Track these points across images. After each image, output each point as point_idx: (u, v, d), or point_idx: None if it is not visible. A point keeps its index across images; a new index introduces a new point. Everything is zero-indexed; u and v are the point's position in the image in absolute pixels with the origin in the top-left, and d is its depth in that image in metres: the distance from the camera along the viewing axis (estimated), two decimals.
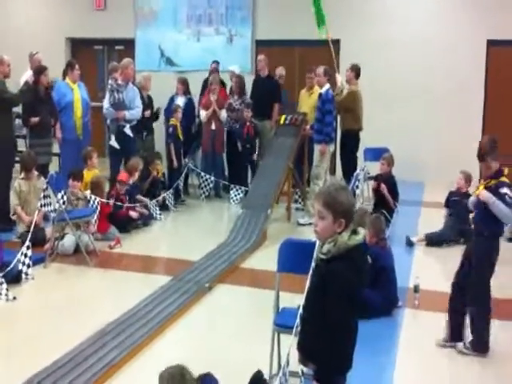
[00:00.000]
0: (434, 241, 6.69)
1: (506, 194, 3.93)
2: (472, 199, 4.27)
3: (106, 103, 7.93)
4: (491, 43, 9.85)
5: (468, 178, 7.11)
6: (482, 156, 4.06)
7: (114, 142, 7.89)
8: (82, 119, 7.86)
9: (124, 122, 7.89)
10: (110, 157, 8.21)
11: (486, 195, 3.97)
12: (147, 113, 8.39)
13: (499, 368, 4.04)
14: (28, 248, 5.49)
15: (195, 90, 9.47)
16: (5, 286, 5.07)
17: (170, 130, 8.53)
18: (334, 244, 2.48)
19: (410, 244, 6.65)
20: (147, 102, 8.54)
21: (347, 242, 2.47)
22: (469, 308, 4.17)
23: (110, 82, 8.05)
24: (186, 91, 9.24)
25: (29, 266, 5.49)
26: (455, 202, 6.94)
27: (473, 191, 4.35)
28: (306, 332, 2.62)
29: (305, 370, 2.86)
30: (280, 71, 9.39)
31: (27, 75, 7.74)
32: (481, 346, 4.12)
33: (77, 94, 7.85)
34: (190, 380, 2.86)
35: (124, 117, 7.88)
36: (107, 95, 7.93)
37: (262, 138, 9.00)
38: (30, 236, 5.62)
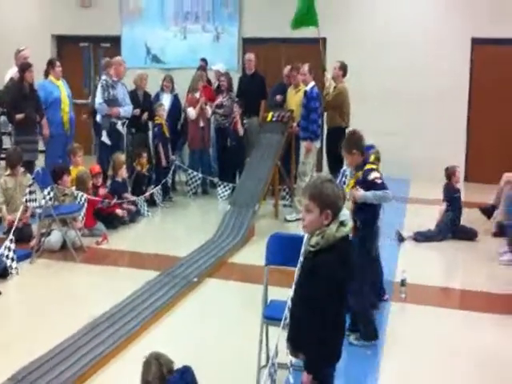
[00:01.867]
0: (424, 239, 6.65)
1: (374, 178, 4.07)
2: (349, 192, 4.26)
3: (98, 99, 7.91)
4: (476, 41, 9.94)
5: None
6: (341, 147, 4.26)
7: (105, 138, 7.89)
8: (68, 114, 7.85)
9: (116, 119, 7.92)
10: (100, 153, 8.22)
11: (358, 196, 4.06)
12: (136, 111, 8.26)
13: (484, 359, 4.10)
14: (11, 241, 5.45)
15: (182, 87, 9.46)
16: None
17: (156, 129, 8.45)
18: (322, 236, 2.50)
19: (401, 239, 6.61)
20: (142, 101, 8.47)
21: (335, 233, 2.49)
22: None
23: (103, 77, 8.02)
24: (172, 88, 9.22)
25: (13, 260, 5.44)
26: (456, 199, 6.85)
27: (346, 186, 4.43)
28: (296, 324, 2.63)
29: (293, 361, 2.88)
30: (288, 70, 8.79)
31: (12, 72, 7.70)
32: (369, 334, 4.13)
33: (63, 89, 7.85)
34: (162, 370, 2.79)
35: (118, 113, 7.90)
36: (100, 91, 7.90)
37: (250, 136, 9.00)
38: (13, 229, 5.60)
